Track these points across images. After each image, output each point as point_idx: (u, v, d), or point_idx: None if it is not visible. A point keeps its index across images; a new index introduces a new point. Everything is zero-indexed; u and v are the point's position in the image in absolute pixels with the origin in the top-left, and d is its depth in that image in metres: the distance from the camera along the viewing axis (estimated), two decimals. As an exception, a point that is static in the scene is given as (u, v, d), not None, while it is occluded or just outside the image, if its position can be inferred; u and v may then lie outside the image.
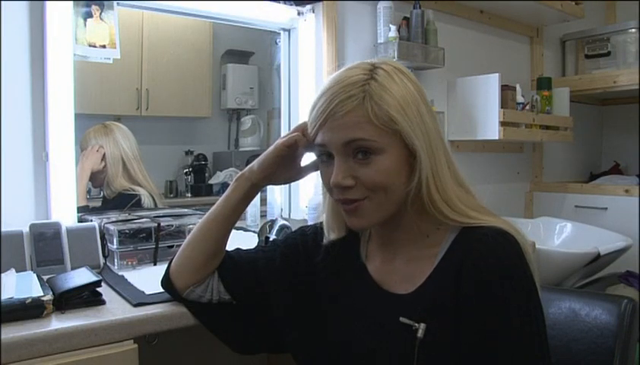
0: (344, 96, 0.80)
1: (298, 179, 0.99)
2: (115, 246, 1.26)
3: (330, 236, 0.94)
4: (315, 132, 0.84)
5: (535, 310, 0.77)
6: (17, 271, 1.11)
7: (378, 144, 0.79)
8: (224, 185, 2.04)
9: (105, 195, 1.66)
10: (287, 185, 1.94)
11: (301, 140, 0.89)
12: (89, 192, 1.71)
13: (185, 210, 1.57)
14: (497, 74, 2.19)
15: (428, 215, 0.83)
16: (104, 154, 1.62)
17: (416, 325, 0.79)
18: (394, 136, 0.80)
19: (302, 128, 0.90)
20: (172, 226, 1.34)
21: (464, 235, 0.82)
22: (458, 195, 0.84)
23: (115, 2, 1.47)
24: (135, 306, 0.98)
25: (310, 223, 1.31)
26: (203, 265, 0.95)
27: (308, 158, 0.95)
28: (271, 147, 0.92)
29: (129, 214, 1.44)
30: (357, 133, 0.79)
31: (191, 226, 1.37)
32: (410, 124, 0.80)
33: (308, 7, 1.87)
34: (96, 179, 1.62)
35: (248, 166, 0.95)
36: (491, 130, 2.20)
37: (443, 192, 0.82)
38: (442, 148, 0.84)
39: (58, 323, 0.88)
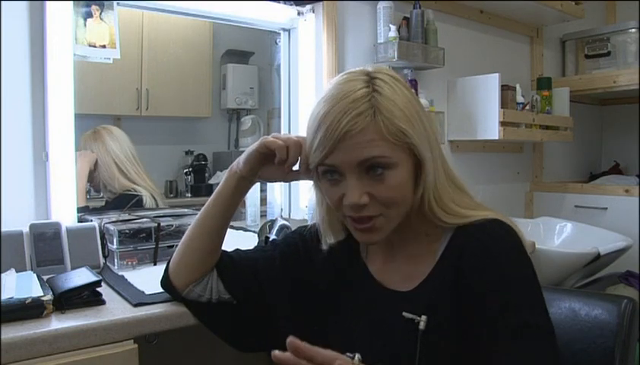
0: (354, 113, 0.77)
1: (288, 181, 0.97)
2: (115, 246, 1.26)
3: (328, 241, 0.94)
4: (325, 155, 0.79)
5: (538, 288, 0.79)
6: (17, 271, 1.11)
7: (391, 160, 0.79)
8: (224, 185, 2.04)
9: (105, 197, 1.66)
10: (287, 185, 1.94)
11: (283, 152, 0.86)
12: (89, 192, 1.71)
13: (185, 210, 1.57)
14: (497, 74, 2.19)
15: (426, 217, 0.84)
16: (96, 159, 1.63)
17: (418, 318, 0.80)
18: (405, 149, 0.80)
19: (301, 146, 0.87)
20: (172, 226, 1.34)
21: (461, 230, 0.83)
22: (453, 198, 0.84)
23: (115, 2, 1.47)
24: (135, 306, 0.98)
25: (310, 223, 1.31)
26: (200, 263, 0.95)
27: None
28: (256, 142, 0.90)
29: (129, 214, 1.44)
30: (372, 151, 0.77)
31: (191, 226, 1.37)
32: (418, 135, 0.80)
33: (308, 7, 1.87)
34: (94, 181, 1.62)
35: (236, 160, 0.94)
36: (491, 130, 2.20)
37: (439, 200, 0.83)
38: (439, 152, 0.85)
39: (58, 323, 0.89)
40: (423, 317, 0.79)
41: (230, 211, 0.96)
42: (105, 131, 1.67)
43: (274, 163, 0.89)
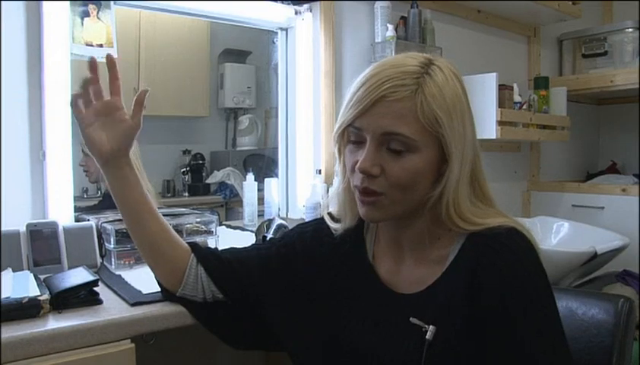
0: (398, 81, 0.77)
1: (135, 129, 0.96)
2: (112, 246, 1.26)
3: (338, 226, 0.93)
4: (357, 113, 0.79)
5: (554, 301, 0.78)
6: (13, 271, 1.11)
7: (416, 143, 0.77)
8: (221, 185, 2.04)
9: (102, 190, 1.66)
10: (285, 185, 1.94)
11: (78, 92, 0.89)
12: (86, 191, 1.71)
13: (183, 209, 1.56)
14: (494, 74, 2.18)
15: (440, 220, 0.82)
16: None
17: (426, 326, 0.78)
18: (433, 138, 0.78)
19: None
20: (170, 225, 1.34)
21: (475, 236, 0.81)
22: (472, 210, 0.82)
23: (112, 1, 1.47)
24: (132, 305, 0.98)
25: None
26: (162, 264, 0.95)
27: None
28: None
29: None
30: (400, 127, 0.76)
31: (188, 225, 1.36)
32: (452, 130, 0.78)
33: (306, 6, 1.87)
34: (93, 171, 1.62)
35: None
36: (488, 129, 2.20)
37: (457, 207, 0.80)
38: (473, 159, 0.83)
39: (55, 323, 0.88)
40: (431, 327, 0.77)
41: (131, 201, 0.93)
42: None
43: (104, 126, 0.92)
